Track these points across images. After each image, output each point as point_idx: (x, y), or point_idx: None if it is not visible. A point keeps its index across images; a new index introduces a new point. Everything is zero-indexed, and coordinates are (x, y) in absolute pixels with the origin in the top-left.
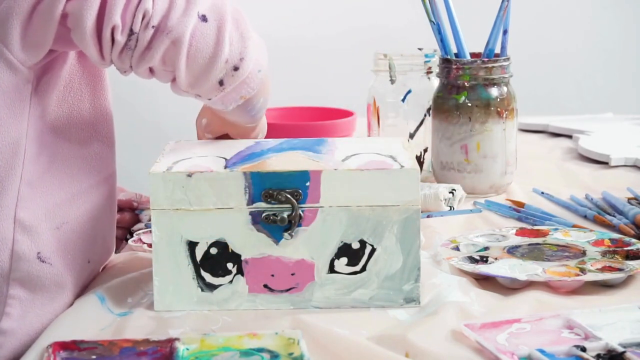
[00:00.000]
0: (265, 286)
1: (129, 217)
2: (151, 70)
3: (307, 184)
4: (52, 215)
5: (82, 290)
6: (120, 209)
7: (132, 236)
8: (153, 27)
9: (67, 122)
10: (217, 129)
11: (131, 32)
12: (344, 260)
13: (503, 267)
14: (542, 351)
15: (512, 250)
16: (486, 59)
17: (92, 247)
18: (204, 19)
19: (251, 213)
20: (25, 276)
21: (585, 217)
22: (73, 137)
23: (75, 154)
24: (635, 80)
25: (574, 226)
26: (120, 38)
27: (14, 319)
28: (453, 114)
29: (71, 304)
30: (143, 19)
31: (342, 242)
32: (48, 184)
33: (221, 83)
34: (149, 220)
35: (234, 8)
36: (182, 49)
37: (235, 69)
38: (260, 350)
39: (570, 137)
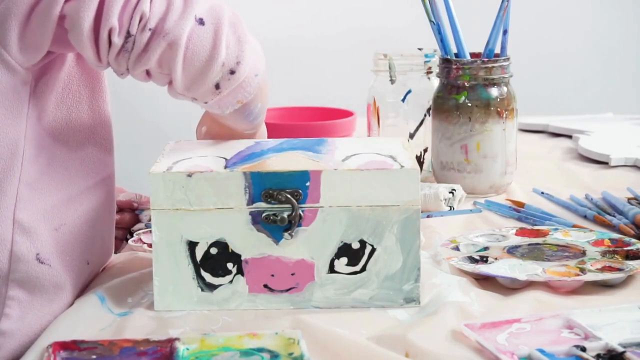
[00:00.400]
0: (265, 286)
1: (129, 218)
2: (148, 73)
3: (307, 184)
4: (50, 216)
5: (82, 292)
6: (120, 210)
7: (132, 236)
8: (150, 29)
9: (65, 124)
10: (216, 137)
11: (128, 34)
12: (344, 260)
13: (503, 267)
14: (542, 351)
15: (512, 250)
16: (486, 59)
17: (91, 249)
18: (201, 22)
19: (251, 213)
20: (24, 277)
21: (585, 217)
22: (71, 139)
23: (73, 155)
24: (635, 80)
25: (574, 226)
26: (117, 40)
27: (13, 320)
28: (453, 114)
29: (70, 305)
30: (140, 21)
31: (342, 242)
32: (47, 185)
33: (217, 86)
34: (149, 220)
35: (232, 12)
36: (179, 52)
37: (232, 72)
38: (260, 350)
39: (570, 137)
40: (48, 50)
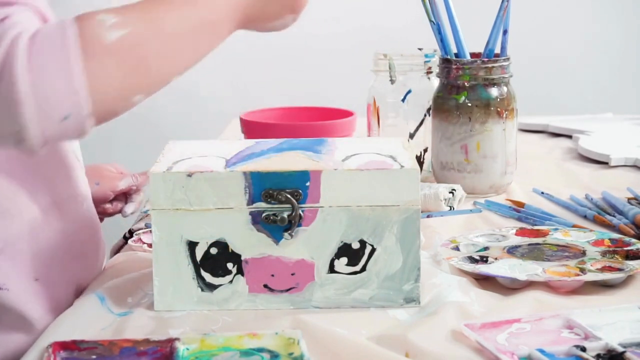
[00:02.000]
0: (265, 286)
1: (121, 208)
2: None
3: (307, 184)
4: None
5: (53, 308)
6: (115, 199)
7: (132, 236)
8: None
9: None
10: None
11: None
12: (344, 260)
13: (503, 267)
14: (542, 351)
15: (512, 250)
16: (486, 59)
17: (40, 266)
18: None
19: (251, 213)
20: None
21: (585, 217)
22: (13, 154)
23: (20, 171)
24: (635, 80)
25: (574, 226)
26: None
27: None
28: (453, 114)
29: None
30: None
31: (342, 242)
32: None
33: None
34: (141, 218)
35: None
36: None
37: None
38: (260, 350)
39: (570, 137)
40: None
